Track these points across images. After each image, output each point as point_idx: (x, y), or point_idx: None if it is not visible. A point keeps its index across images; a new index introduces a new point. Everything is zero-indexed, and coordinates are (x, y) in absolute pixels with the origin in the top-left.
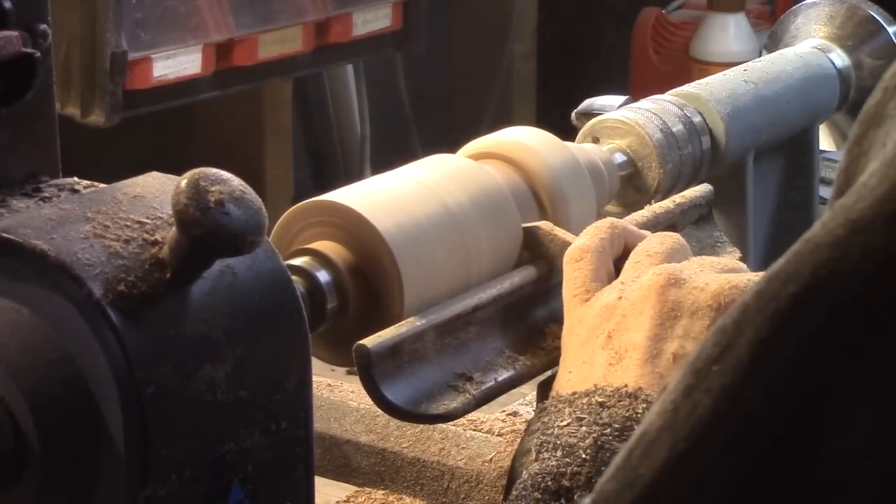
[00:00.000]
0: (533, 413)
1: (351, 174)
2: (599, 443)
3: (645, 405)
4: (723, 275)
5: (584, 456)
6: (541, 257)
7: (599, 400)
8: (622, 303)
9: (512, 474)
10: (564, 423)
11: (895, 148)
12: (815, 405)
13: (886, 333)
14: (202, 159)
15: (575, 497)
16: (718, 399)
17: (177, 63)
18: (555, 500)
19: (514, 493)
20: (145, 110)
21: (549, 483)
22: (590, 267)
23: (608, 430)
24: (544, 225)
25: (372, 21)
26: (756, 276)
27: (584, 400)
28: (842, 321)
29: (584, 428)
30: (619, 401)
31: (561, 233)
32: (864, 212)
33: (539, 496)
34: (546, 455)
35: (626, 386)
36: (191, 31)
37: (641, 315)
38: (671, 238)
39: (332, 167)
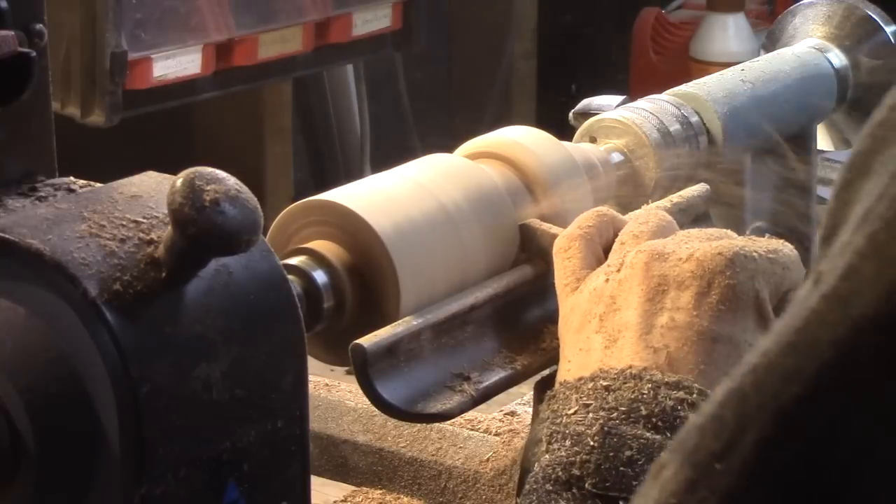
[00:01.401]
0: (530, 413)
1: (351, 174)
2: (606, 428)
3: (650, 385)
4: (706, 243)
5: (591, 444)
6: (535, 255)
7: (604, 384)
8: (609, 285)
9: (524, 464)
10: (572, 410)
11: (887, 229)
12: None
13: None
14: (202, 159)
15: (586, 485)
16: (725, 500)
17: (177, 63)
18: (566, 490)
19: (526, 486)
20: (145, 110)
21: (560, 473)
22: (578, 255)
23: (615, 415)
24: (533, 222)
25: (372, 21)
26: (740, 241)
27: (590, 385)
28: (851, 425)
29: (590, 415)
30: (625, 383)
31: (550, 227)
32: (866, 310)
33: (550, 487)
34: (556, 446)
35: (630, 367)
36: (191, 31)
37: (630, 294)
38: (655, 216)
39: (332, 167)
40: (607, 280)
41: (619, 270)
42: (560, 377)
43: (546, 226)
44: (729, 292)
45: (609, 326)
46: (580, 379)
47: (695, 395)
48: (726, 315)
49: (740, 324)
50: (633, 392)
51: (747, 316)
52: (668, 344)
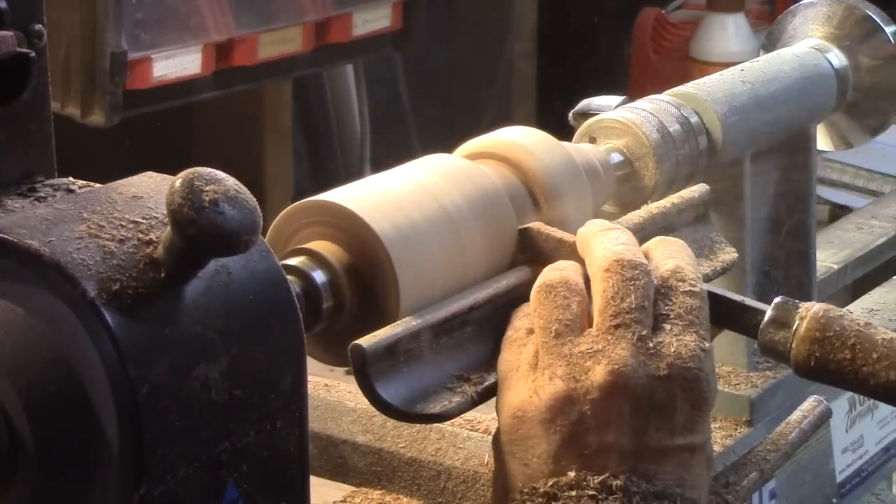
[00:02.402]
0: None
1: (351, 174)
2: None
3: (638, 497)
4: (671, 344)
5: None
6: (535, 258)
7: (590, 493)
8: (579, 405)
9: None
10: None
11: None
12: None
13: None
14: (202, 159)
15: None
16: None
17: (177, 63)
18: None
19: None
20: (145, 110)
21: None
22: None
23: None
24: (536, 225)
25: (372, 21)
26: (691, 340)
27: (573, 493)
28: None
29: None
30: (611, 493)
31: (553, 231)
32: None
33: None
34: None
35: (611, 476)
36: (191, 31)
37: (604, 416)
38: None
39: (332, 167)
40: (573, 395)
41: (585, 392)
42: (514, 479)
43: (550, 230)
44: (703, 404)
45: (580, 442)
46: (554, 483)
47: (678, 503)
48: (703, 424)
49: (707, 424)
50: (623, 503)
51: (709, 415)
52: (648, 461)
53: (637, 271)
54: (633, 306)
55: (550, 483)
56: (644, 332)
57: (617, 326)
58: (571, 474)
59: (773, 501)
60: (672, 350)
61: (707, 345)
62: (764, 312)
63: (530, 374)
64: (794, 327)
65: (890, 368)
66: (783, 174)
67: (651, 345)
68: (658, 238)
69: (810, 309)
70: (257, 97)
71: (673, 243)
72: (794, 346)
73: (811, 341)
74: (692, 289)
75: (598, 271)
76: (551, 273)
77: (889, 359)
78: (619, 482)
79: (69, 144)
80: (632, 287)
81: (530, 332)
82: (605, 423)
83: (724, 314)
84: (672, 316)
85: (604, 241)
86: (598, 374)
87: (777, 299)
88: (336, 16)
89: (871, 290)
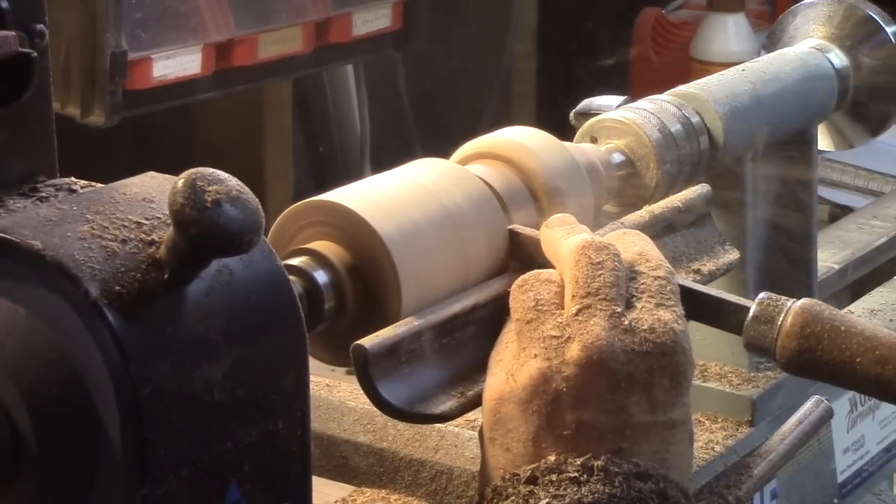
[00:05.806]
0: None
1: (351, 174)
2: None
3: (620, 477)
4: (644, 322)
5: None
6: (524, 261)
7: (571, 475)
8: (555, 382)
9: None
10: (544, 502)
11: None
12: None
13: None
14: (202, 159)
15: None
16: None
17: (177, 63)
18: None
19: None
20: (145, 110)
21: None
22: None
23: None
24: (518, 227)
25: (372, 21)
26: (668, 315)
27: (553, 477)
28: None
29: None
30: (592, 475)
31: (533, 232)
32: None
33: None
34: None
35: (591, 457)
36: (191, 31)
37: (580, 394)
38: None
39: (332, 167)
40: (548, 374)
41: (560, 370)
42: (496, 462)
43: (529, 231)
44: (682, 378)
45: (558, 422)
46: (535, 468)
47: (661, 483)
48: (683, 398)
49: (687, 400)
50: (605, 485)
51: (688, 390)
52: (628, 439)
53: (605, 253)
54: (604, 285)
55: (531, 468)
56: (617, 310)
57: (589, 306)
58: (552, 458)
59: (774, 501)
60: (647, 325)
61: (682, 321)
62: (748, 309)
63: (509, 361)
64: (778, 323)
65: (875, 363)
66: (784, 174)
67: (626, 322)
68: (617, 231)
69: (795, 304)
70: (257, 97)
71: (633, 234)
72: (779, 341)
73: (796, 336)
74: (659, 269)
75: (568, 262)
76: (525, 274)
77: (874, 352)
78: (600, 462)
79: (69, 144)
80: (601, 269)
81: None
82: (582, 400)
83: (707, 311)
84: (644, 295)
85: (566, 237)
86: (573, 350)
87: (761, 295)
88: (336, 16)
89: (872, 290)
